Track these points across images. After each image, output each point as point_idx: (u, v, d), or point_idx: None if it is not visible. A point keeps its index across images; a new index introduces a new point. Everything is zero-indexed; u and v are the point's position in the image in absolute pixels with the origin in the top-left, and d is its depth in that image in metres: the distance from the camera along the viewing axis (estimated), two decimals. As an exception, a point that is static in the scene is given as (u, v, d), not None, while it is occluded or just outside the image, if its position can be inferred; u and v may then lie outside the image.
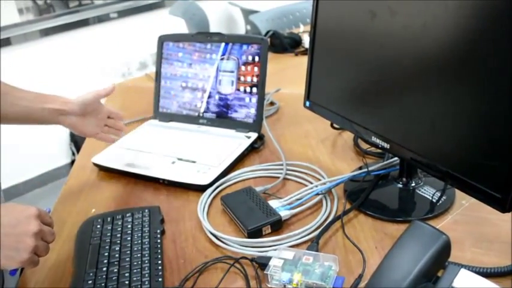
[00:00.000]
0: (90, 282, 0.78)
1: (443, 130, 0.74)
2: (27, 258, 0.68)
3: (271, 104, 1.42)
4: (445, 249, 0.57)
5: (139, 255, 0.83)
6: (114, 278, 0.78)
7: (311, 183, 0.98)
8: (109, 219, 0.93)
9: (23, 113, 0.98)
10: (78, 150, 3.19)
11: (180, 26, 2.95)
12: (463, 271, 0.55)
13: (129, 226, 0.90)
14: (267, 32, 1.90)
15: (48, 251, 0.73)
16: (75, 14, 3.11)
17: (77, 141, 3.18)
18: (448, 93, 0.72)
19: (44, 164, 3.18)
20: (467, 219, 0.83)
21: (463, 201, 0.87)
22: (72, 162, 3.27)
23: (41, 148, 3.12)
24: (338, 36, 0.95)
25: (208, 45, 1.26)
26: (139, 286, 0.76)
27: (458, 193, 0.88)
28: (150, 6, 3.36)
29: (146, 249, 0.84)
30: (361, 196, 0.91)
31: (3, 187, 0.94)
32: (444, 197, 0.88)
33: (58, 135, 3.19)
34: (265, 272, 0.74)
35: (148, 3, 3.34)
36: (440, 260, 0.58)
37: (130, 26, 3.29)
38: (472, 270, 0.61)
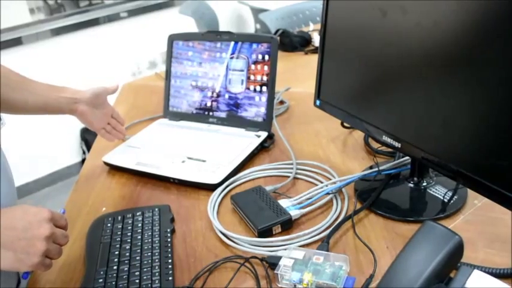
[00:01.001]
0: (100, 280, 0.79)
1: (455, 129, 0.73)
2: (37, 262, 0.68)
3: (281, 102, 1.41)
4: (458, 250, 0.57)
5: (149, 254, 0.83)
6: (124, 277, 0.79)
7: (321, 182, 0.98)
8: (119, 217, 0.93)
9: (41, 102, 1.04)
10: (88, 149, 3.21)
11: (190, 25, 2.96)
12: (476, 272, 0.54)
13: (140, 225, 0.90)
14: (277, 31, 1.90)
15: (61, 254, 0.73)
16: (86, 13, 3.13)
17: (87, 140, 3.20)
18: (459, 92, 0.71)
19: (54, 163, 3.20)
20: (480, 219, 0.83)
21: (476, 201, 0.86)
22: (83, 160, 3.29)
23: (52, 147, 3.14)
24: (348, 35, 0.94)
25: (218, 44, 1.26)
26: (149, 285, 0.76)
27: (471, 193, 0.88)
28: (159, 5, 3.37)
29: (156, 248, 0.84)
30: (371, 195, 0.90)
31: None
32: (456, 197, 0.87)
33: (69, 134, 3.21)
34: (275, 271, 0.74)
35: (158, 3, 3.35)
36: (453, 260, 0.58)
37: (140, 25, 3.31)
38: (485, 271, 0.61)
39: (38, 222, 0.69)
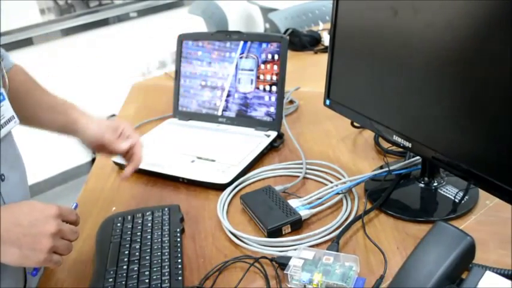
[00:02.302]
0: (110, 280, 0.79)
1: (467, 128, 0.72)
2: (43, 258, 0.68)
3: (291, 102, 1.41)
4: (470, 251, 0.56)
5: (159, 253, 0.83)
6: (134, 276, 0.79)
7: (331, 182, 0.97)
8: (129, 217, 0.93)
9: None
10: (98, 148, 3.22)
11: (199, 25, 2.96)
12: (488, 273, 0.54)
13: (149, 224, 0.91)
14: (286, 30, 1.89)
15: (71, 250, 0.73)
16: (96, 13, 3.14)
17: (97, 140, 3.21)
18: (471, 92, 0.71)
19: (65, 162, 3.22)
20: (492, 220, 0.82)
21: (487, 201, 0.85)
22: (93, 160, 3.30)
23: (62, 146, 3.15)
24: (359, 34, 0.94)
25: (228, 44, 1.26)
26: (159, 284, 0.76)
27: (482, 193, 0.87)
28: (169, 5, 3.37)
29: (166, 247, 0.84)
30: (382, 196, 0.90)
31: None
32: (467, 197, 0.86)
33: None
34: (285, 271, 0.74)
35: (167, 2, 3.36)
36: (465, 261, 0.57)
37: (149, 25, 3.31)
38: (497, 272, 0.60)
39: (45, 218, 0.68)
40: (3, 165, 0.81)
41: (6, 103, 0.82)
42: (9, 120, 0.82)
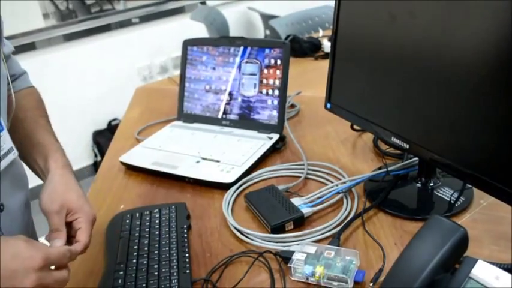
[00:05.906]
0: (121, 273, 0.82)
1: (463, 130, 0.76)
2: None
3: (292, 106, 1.45)
4: (463, 241, 0.60)
5: (167, 248, 0.86)
6: (144, 270, 0.82)
7: (331, 182, 1.01)
8: (137, 214, 0.97)
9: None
10: (100, 151, 3.25)
11: (201, 31, 3.00)
12: (480, 262, 0.57)
13: (157, 221, 0.94)
14: (287, 37, 1.93)
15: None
16: (98, 19, 3.18)
17: (99, 143, 3.24)
18: (468, 95, 0.74)
19: (66, 165, 3.23)
20: (486, 218, 0.85)
21: (481, 200, 0.89)
22: (95, 163, 3.33)
23: (64, 149, 3.18)
24: (359, 39, 0.98)
25: (232, 49, 1.29)
26: (168, 277, 0.79)
27: (477, 192, 0.90)
28: (171, 11, 3.41)
29: (174, 243, 0.87)
30: (380, 195, 0.93)
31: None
32: (463, 198, 0.90)
33: (81, 137, 3.26)
34: (288, 265, 0.77)
35: (169, 9, 3.40)
36: (458, 252, 0.61)
37: (151, 31, 3.35)
38: (489, 264, 0.64)
39: (25, 271, 0.61)
40: (3, 195, 0.79)
41: (5, 134, 0.79)
42: (9, 151, 0.79)
